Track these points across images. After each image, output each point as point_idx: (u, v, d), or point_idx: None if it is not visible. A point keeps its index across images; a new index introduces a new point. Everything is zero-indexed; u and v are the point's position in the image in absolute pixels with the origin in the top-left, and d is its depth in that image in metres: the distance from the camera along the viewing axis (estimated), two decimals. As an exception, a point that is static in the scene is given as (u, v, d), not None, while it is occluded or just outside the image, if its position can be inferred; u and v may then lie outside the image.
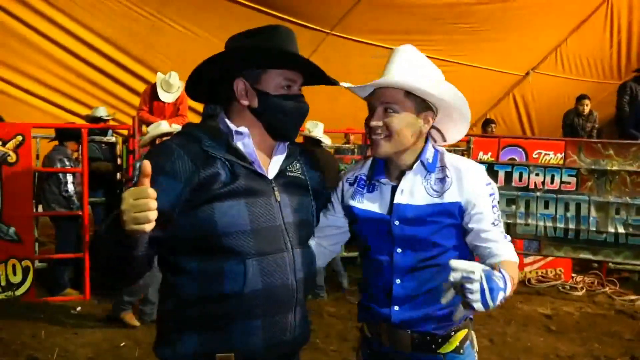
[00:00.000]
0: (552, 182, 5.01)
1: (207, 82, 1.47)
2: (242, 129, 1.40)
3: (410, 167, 1.54)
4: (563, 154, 5.08)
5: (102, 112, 6.21)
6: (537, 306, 5.11)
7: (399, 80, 1.48)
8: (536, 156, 5.74)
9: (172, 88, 5.88)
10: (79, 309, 4.72)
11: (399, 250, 1.53)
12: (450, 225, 1.51)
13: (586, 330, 4.55)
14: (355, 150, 6.66)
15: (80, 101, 7.50)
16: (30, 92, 7.09)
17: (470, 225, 1.50)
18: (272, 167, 1.45)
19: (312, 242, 1.59)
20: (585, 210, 4.91)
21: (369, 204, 1.58)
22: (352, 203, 1.60)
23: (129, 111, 7.43)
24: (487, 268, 1.24)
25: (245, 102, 1.40)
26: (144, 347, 3.90)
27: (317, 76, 1.47)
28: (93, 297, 4.98)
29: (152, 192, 1.10)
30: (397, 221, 1.52)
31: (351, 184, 1.64)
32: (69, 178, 5.00)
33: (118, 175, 5.46)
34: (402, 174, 1.55)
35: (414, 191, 1.52)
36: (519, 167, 5.13)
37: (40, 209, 5.24)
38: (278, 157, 1.47)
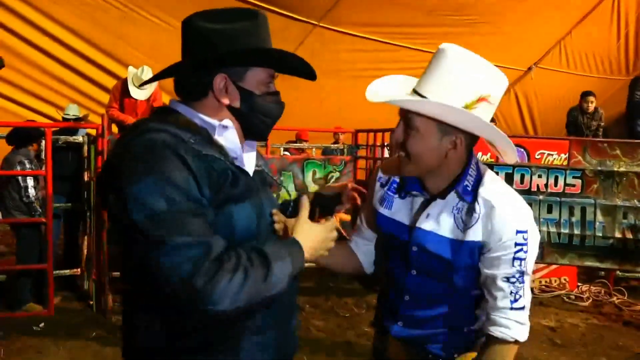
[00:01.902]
0: (555, 185, 5.06)
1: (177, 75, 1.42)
2: (227, 122, 1.36)
3: (443, 195, 1.47)
4: (567, 155, 5.13)
5: (72, 110, 6.17)
6: (540, 318, 5.16)
7: (412, 105, 1.39)
8: (539, 157, 5.78)
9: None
10: (42, 325, 4.67)
11: (413, 272, 1.54)
12: (469, 265, 1.47)
13: (593, 343, 4.60)
14: (345, 150, 6.67)
15: (44, 99, 7.46)
16: (-12, 88, 7.03)
17: (482, 268, 1.47)
18: (248, 163, 1.44)
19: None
20: (591, 214, 4.96)
21: (396, 214, 1.56)
22: (380, 209, 1.59)
23: (97, 109, 7.39)
24: None
25: (226, 101, 1.36)
26: (114, 366, 3.88)
27: (299, 71, 1.48)
28: (57, 312, 4.93)
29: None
30: (415, 247, 1.51)
31: (382, 185, 1.62)
32: (30, 182, 4.95)
33: (86, 177, 5.41)
34: (433, 196, 1.50)
35: (440, 218, 1.47)
36: (520, 169, 5.17)
37: (-1, 216, 5.18)
38: (252, 154, 1.47)
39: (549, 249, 5.06)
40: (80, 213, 5.58)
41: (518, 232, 1.41)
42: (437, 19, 8.01)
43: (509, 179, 5.09)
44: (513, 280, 1.42)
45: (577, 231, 4.98)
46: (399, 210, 1.56)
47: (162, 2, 6.99)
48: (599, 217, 4.95)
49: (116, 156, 1.28)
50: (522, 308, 1.44)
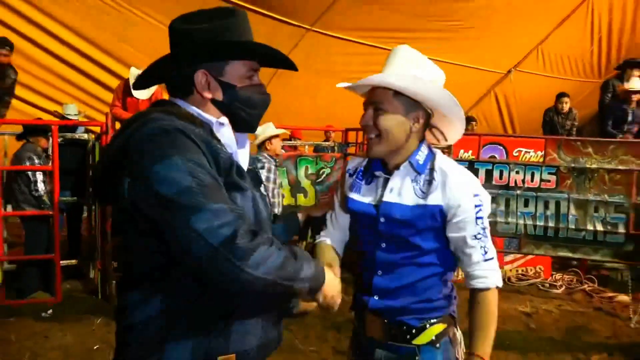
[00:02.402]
0: (532, 180, 5.14)
1: (162, 72, 1.42)
2: (223, 119, 1.37)
3: (398, 167, 1.60)
4: (543, 152, 5.20)
5: (71, 110, 6.15)
6: (517, 304, 5.25)
7: (382, 79, 1.52)
8: (516, 154, 5.86)
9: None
10: (50, 311, 4.69)
11: (383, 245, 1.62)
12: (432, 228, 1.57)
13: (565, 328, 4.69)
14: (336, 148, 6.72)
15: (49, 97, 7.41)
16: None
17: (450, 235, 1.57)
18: (242, 160, 1.44)
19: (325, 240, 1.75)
20: (564, 208, 5.04)
21: (364, 197, 1.66)
22: (350, 194, 1.69)
23: (101, 107, 7.36)
24: None
25: (209, 95, 1.36)
26: (119, 349, 3.90)
27: (280, 63, 1.46)
28: (64, 299, 4.94)
29: None
30: (382, 218, 1.59)
31: (351, 175, 1.73)
32: (39, 177, 4.95)
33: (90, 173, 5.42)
34: (391, 172, 1.62)
35: (402, 191, 1.58)
36: (499, 165, 5.24)
37: (9, 208, 5.17)
38: (245, 150, 1.47)
39: (525, 240, 5.13)
40: (81, 206, 5.61)
41: (474, 195, 1.56)
42: (424, 24, 8.04)
43: (488, 175, 5.16)
44: (479, 236, 1.55)
45: (551, 224, 5.05)
46: (366, 193, 1.66)
47: (162, 6, 6.96)
48: (572, 211, 5.03)
49: (127, 142, 1.25)
50: (492, 258, 1.57)
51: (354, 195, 1.67)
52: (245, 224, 1.17)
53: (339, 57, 8.25)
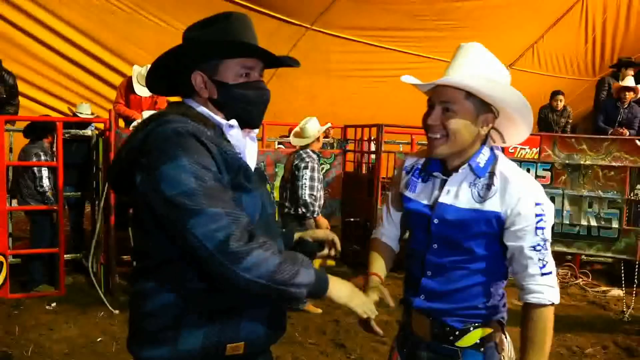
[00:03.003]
0: (527, 176, 5.10)
1: (167, 75, 1.45)
2: (233, 122, 1.39)
3: (457, 169, 1.52)
4: (538, 149, 5.16)
5: (85, 109, 6.13)
6: (512, 298, 5.18)
7: (460, 80, 1.43)
8: (512, 150, 5.82)
9: None
10: (54, 304, 4.65)
11: (435, 246, 1.54)
12: (486, 233, 1.49)
13: (559, 321, 4.57)
14: (335, 144, 6.68)
15: (55, 94, 7.39)
16: (3, 84, 6.94)
17: (507, 243, 1.48)
18: (250, 158, 1.45)
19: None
20: (559, 203, 5.00)
21: (419, 195, 1.59)
22: (405, 192, 1.62)
23: (105, 105, 7.33)
24: None
25: (206, 95, 1.39)
26: (121, 342, 3.87)
27: (274, 59, 1.45)
28: (68, 292, 4.91)
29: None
30: (436, 219, 1.52)
31: (407, 172, 1.66)
32: (44, 173, 4.92)
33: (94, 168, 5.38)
34: (450, 174, 1.54)
35: (459, 193, 1.51)
36: (495, 162, 5.20)
37: (14, 203, 5.14)
38: (254, 149, 1.47)
39: (521, 235, 5.10)
40: (84, 201, 5.58)
41: (537, 204, 1.44)
42: (421, 24, 8.00)
43: (484, 171, 5.12)
44: (539, 248, 1.44)
45: (546, 219, 5.01)
46: (421, 192, 1.59)
47: (166, 6, 6.94)
48: (567, 206, 4.99)
49: (144, 140, 1.30)
50: (550, 273, 1.46)
51: (409, 194, 1.61)
52: (240, 228, 1.20)
53: (337, 55, 8.22)
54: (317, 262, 1.69)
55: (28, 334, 4.04)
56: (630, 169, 4.86)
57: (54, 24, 6.75)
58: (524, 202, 1.43)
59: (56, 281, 4.94)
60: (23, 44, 6.73)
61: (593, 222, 4.92)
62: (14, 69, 6.80)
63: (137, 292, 1.37)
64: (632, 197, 4.88)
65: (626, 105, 6.80)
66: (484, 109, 1.47)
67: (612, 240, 4.89)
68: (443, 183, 1.54)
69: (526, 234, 1.44)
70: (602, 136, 5.59)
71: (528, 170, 5.09)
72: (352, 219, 6.14)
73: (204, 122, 1.35)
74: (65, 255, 4.97)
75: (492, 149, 1.55)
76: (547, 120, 7.58)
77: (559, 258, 6.28)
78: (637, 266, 4.94)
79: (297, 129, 4.64)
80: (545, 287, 1.45)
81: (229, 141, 1.37)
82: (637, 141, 4.99)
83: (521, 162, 5.14)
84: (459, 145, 1.48)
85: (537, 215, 1.44)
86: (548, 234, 1.46)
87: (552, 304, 1.46)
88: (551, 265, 1.46)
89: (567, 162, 5.01)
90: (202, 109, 1.39)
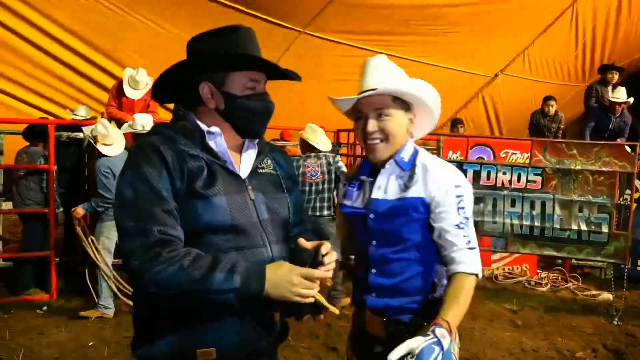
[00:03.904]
0: (518, 181, 5.14)
1: (172, 85, 1.49)
2: (214, 128, 1.42)
3: (383, 164, 1.65)
4: (529, 154, 5.21)
5: (82, 111, 6.09)
6: (503, 302, 5.24)
7: (392, 87, 1.59)
8: (503, 155, 5.88)
9: (139, 85, 5.79)
10: (44, 308, 4.62)
11: (374, 242, 1.65)
12: (416, 219, 1.60)
13: (550, 324, 4.69)
14: (327, 148, 6.67)
15: (46, 97, 7.33)
16: (-6, 87, 6.90)
17: (434, 224, 1.60)
18: (244, 165, 1.47)
19: None
20: (550, 208, 5.05)
21: (355, 201, 1.71)
22: (344, 202, 1.75)
23: (97, 107, 7.29)
24: (424, 344, 1.37)
25: (213, 105, 1.43)
26: (112, 346, 3.86)
27: (279, 73, 1.49)
28: (59, 296, 4.88)
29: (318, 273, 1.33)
30: (371, 214, 1.64)
31: (344, 185, 1.81)
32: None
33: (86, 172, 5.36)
34: (378, 171, 1.67)
35: (388, 187, 1.64)
36: (486, 166, 5.24)
37: (3, 206, 5.10)
38: (249, 156, 1.50)
39: (512, 239, 5.14)
40: (76, 204, 5.55)
41: (455, 186, 1.59)
42: (413, 29, 8.03)
43: (476, 176, 5.16)
44: (462, 226, 1.58)
45: (537, 223, 5.06)
46: (357, 198, 1.72)
47: (159, 9, 6.90)
48: (557, 211, 5.04)
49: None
50: (474, 248, 1.58)
51: (347, 202, 1.74)
52: (146, 243, 1.25)
53: (329, 59, 8.23)
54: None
55: (18, 338, 4.01)
56: (620, 174, 4.91)
57: (45, 25, 6.69)
58: (444, 186, 1.58)
59: (47, 285, 4.90)
60: (14, 45, 6.68)
61: (583, 227, 4.97)
62: (5, 70, 6.77)
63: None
64: (622, 202, 4.94)
65: (618, 115, 6.89)
66: (408, 107, 1.64)
67: (602, 244, 4.94)
68: (373, 183, 1.67)
69: (449, 214, 1.57)
70: (592, 142, 5.66)
71: (519, 175, 5.14)
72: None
73: (182, 131, 1.41)
74: (56, 259, 4.93)
75: (414, 145, 1.69)
76: (538, 126, 7.64)
77: (549, 262, 6.37)
78: (626, 270, 5.00)
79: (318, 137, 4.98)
80: (471, 259, 1.57)
81: (210, 148, 1.41)
82: (626, 147, 5.06)
83: (512, 167, 5.19)
84: (398, 144, 1.64)
85: (457, 197, 1.58)
86: (469, 213, 1.60)
87: (476, 275, 1.57)
88: (475, 242, 1.59)
89: (557, 167, 5.06)
90: (193, 119, 1.45)
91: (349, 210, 1.72)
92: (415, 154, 1.66)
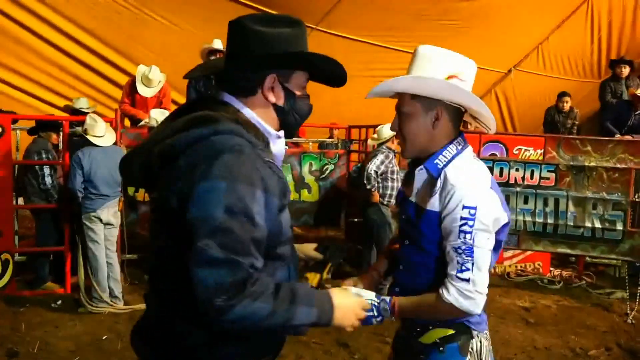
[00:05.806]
0: (531, 178, 5.11)
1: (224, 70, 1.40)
2: (281, 132, 1.42)
3: (419, 168, 1.58)
4: (543, 150, 5.17)
5: (83, 103, 6.14)
6: (515, 299, 5.21)
7: (392, 84, 1.52)
8: (516, 152, 5.82)
9: (152, 83, 5.84)
10: (59, 302, 4.69)
11: (406, 242, 1.62)
12: (434, 232, 1.51)
13: (563, 322, 4.66)
14: (339, 144, 6.70)
15: (61, 94, 7.41)
16: (10, 84, 6.99)
17: (443, 240, 1.52)
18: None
19: None
20: (563, 205, 5.01)
21: (407, 189, 1.66)
22: (402, 187, 1.73)
23: (110, 104, 7.35)
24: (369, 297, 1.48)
25: (273, 99, 1.36)
26: (125, 340, 3.86)
27: (335, 82, 1.48)
28: (74, 290, 4.94)
29: None
30: (403, 216, 1.63)
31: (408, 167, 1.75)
32: (46, 171, 4.93)
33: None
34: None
35: (420, 192, 1.57)
36: (499, 163, 5.21)
37: (20, 201, 5.17)
38: (281, 157, 1.47)
39: (525, 236, 5.11)
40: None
41: (464, 207, 1.43)
42: (425, 24, 7.99)
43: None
44: (459, 251, 1.43)
45: (550, 220, 5.03)
46: (409, 186, 1.64)
47: (171, 6, 6.95)
48: (571, 208, 5.00)
49: (190, 144, 1.23)
50: (467, 280, 1.43)
51: (402, 188, 1.72)
52: (239, 273, 1.13)
53: (341, 55, 8.14)
54: (314, 279, 1.64)
55: (34, 331, 4.07)
56: (635, 171, 4.86)
57: (60, 23, 6.77)
58: (453, 202, 1.44)
59: (62, 279, 4.97)
60: (29, 42, 6.77)
61: (597, 224, 4.93)
62: (19, 67, 6.85)
63: (157, 290, 1.43)
64: (637, 199, 4.88)
65: (638, 112, 6.80)
66: (430, 104, 1.51)
67: (617, 242, 4.89)
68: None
69: (450, 234, 1.45)
70: (606, 138, 5.59)
71: (532, 172, 5.09)
72: (355, 220, 6.16)
73: (255, 132, 1.31)
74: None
75: (460, 146, 1.54)
76: (553, 122, 7.57)
77: (562, 259, 6.32)
78: (641, 268, 4.95)
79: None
80: (454, 289, 1.44)
81: (274, 154, 1.37)
82: (641, 143, 5.00)
83: (525, 164, 5.15)
84: (417, 144, 1.55)
85: (462, 218, 1.42)
86: (476, 241, 1.43)
87: (450, 306, 1.45)
88: (471, 274, 1.43)
89: (571, 163, 5.01)
90: (250, 113, 1.35)
91: (401, 197, 1.69)
92: (450, 161, 1.51)
